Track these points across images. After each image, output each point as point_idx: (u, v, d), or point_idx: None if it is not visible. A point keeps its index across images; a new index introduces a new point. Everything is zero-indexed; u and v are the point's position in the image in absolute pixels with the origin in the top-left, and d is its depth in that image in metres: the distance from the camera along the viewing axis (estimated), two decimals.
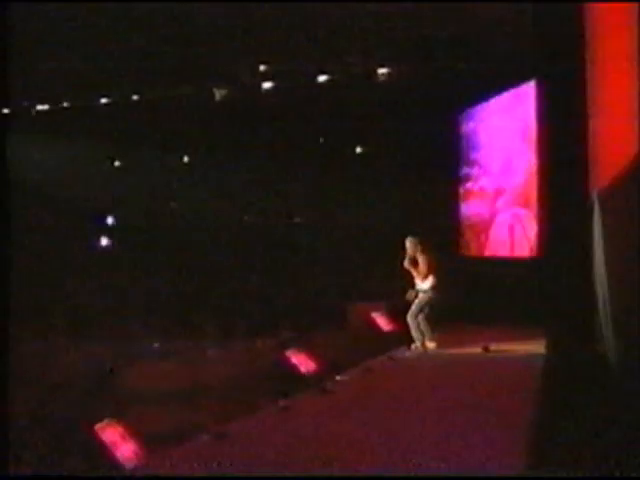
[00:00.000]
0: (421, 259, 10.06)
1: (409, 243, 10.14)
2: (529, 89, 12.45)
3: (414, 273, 10.09)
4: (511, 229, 13.26)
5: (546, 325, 10.70)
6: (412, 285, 10.20)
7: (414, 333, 10.06)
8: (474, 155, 14.57)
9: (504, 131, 13.49)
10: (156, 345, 12.00)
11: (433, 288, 10.00)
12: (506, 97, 13.29)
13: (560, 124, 11.06)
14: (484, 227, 14.09)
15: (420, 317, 10.05)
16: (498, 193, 13.67)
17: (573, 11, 8.85)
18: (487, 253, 13.94)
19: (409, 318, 10.07)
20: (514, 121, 13.07)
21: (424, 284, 10.05)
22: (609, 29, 6.76)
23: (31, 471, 5.69)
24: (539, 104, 11.99)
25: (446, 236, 13.93)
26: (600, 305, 7.88)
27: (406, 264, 10.13)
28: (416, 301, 10.04)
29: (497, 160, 13.73)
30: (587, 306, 8.91)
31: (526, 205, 12.72)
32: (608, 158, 6.80)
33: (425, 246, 10.15)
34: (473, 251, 14.54)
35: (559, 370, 8.04)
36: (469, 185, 14.73)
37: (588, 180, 8.77)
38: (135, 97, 18.47)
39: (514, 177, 13.19)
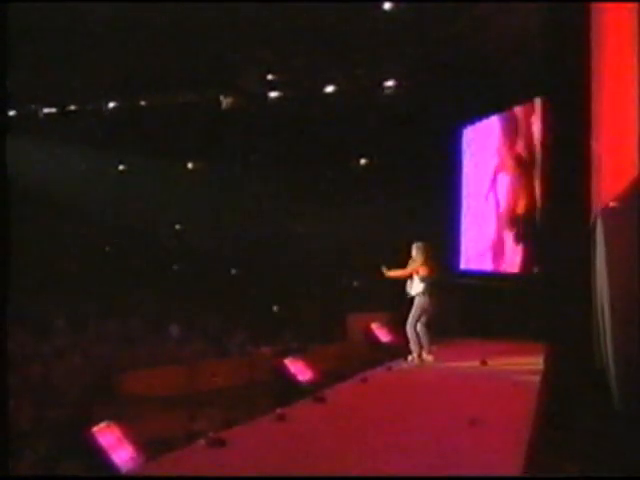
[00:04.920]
0: (422, 264, 10.01)
1: (414, 248, 10.11)
2: (530, 107, 12.54)
3: (414, 275, 10.02)
4: (503, 244, 13.35)
5: (545, 340, 10.73)
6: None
7: (412, 344, 10.03)
8: (474, 170, 14.62)
9: (503, 149, 13.55)
10: (157, 350, 12.03)
11: (423, 294, 9.94)
12: (508, 114, 13.35)
13: (564, 143, 11.15)
14: (483, 242, 14.11)
15: (419, 327, 9.98)
16: (496, 208, 13.71)
17: (581, 32, 8.91)
18: (486, 267, 13.96)
19: (408, 328, 10.01)
20: (514, 139, 13.13)
21: (413, 289, 10.00)
22: (616, 51, 6.80)
23: (31, 471, 5.72)
24: (545, 122, 12.06)
25: (446, 249, 13.92)
26: (599, 320, 7.90)
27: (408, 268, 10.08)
28: (412, 310, 10.00)
29: (493, 176, 13.80)
30: (586, 321, 8.94)
31: (515, 223, 12.84)
32: (611, 176, 6.83)
33: (428, 253, 10.10)
34: (473, 265, 14.56)
35: (557, 384, 8.06)
36: (469, 200, 14.76)
37: (591, 198, 8.80)
38: (142, 103, 18.58)
39: (509, 194, 13.28)
